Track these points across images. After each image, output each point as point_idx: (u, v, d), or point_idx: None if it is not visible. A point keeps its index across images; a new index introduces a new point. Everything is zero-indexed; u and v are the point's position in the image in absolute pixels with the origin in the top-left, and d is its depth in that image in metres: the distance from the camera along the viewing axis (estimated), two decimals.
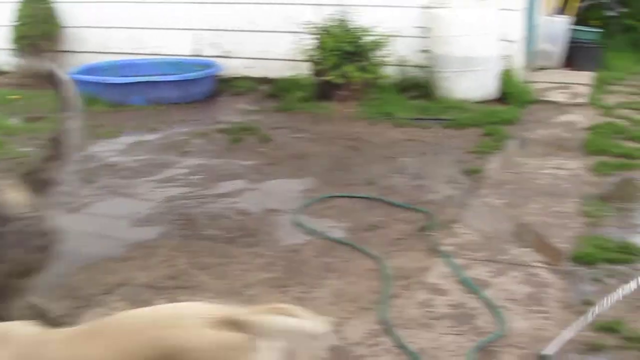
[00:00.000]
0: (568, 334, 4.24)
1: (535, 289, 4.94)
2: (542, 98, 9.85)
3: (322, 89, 9.67)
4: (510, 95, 9.56)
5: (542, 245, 5.60)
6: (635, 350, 4.22)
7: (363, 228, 5.94)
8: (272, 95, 10.22)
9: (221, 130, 8.67)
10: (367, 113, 9.15)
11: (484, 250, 5.50)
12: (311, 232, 5.85)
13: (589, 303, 4.71)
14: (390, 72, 9.90)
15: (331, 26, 9.59)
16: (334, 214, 6.27)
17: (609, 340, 4.32)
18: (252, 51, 10.89)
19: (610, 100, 9.75)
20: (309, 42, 9.67)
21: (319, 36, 9.58)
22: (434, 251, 5.47)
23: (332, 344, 4.18)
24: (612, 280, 5.03)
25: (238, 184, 7.02)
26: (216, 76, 10.52)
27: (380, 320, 4.55)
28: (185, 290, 4.93)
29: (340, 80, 9.30)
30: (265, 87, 10.54)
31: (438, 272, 5.19)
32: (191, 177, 7.23)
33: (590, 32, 11.54)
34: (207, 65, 10.57)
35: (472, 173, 7.14)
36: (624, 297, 4.62)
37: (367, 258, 5.40)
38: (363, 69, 9.34)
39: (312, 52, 9.64)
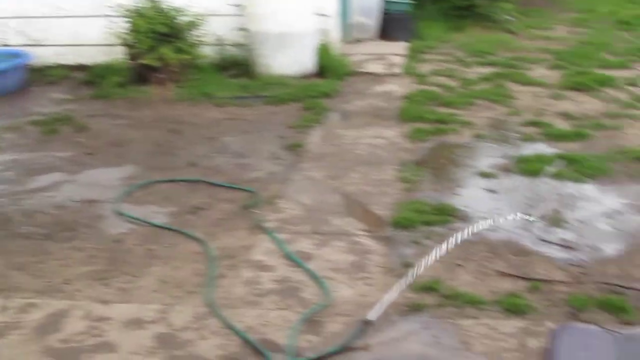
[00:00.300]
0: (389, 297, 4.36)
1: (358, 257, 5.06)
2: (359, 70, 10.04)
3: (139, 73, 9.43)
4: (328, 68, 9.70)
5: (363, 214, 5.73)
6: (452, 307, 4.41)
7: (187, 211, 5.86)
8: (87, 83, 9.85)
9: (34, 122, 8.28)
10: (187, 94, 9.02)
11: (307, 223, 5.57)
12: (134, 220, 5.72)
13: (409, 265, 4.88)
14: (208, 52, 9.79)
15: (143, 8, 9.34)
16: (156, 200, 6.15)
17: (428, 299, 4.50)
18: (62, 38, 10.45)
19: (424, 68, 10.09)
20: (122, 25, 9.38)
21: (131, 19, 9.31)
22: (258, 228, 5.48)
23: (157, 331, 4.14)
24: (430, 241, 5.22)
25: (54, 176, 6.73)
26: (26, 66, 10.02)
27: (206, 303, 4.51)
28: (1, 293, 4.71)
29: (156, 63, 9.09)
30: (79, 75, 10.15)
31: (263, 249, 5.21)
32: (3, 173, 6.87)
33: (402, 4, 11.85)
34: (15, 55, 10.04)
35: (294, 148, 7.20)
36: (441, 257, 4.80)
37: (192, 241, 5.35)
38: (179, 50, 9.17)
39: (125, 36, 9.36)
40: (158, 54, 9.08)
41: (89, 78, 9.90)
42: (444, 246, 4.79)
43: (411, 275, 4.58)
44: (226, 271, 4.91)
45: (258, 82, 9.37)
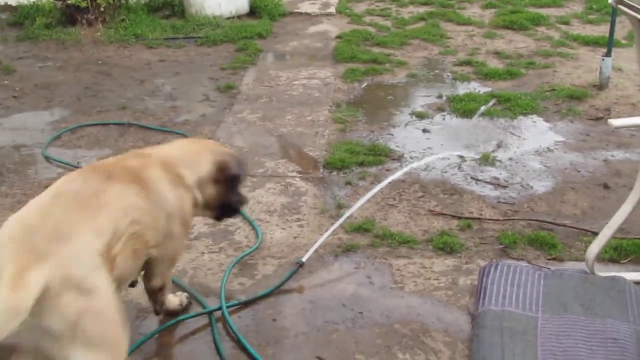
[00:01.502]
0: (322, 238, 4.35)
1: (291, 199, 5.03)
2: (293, 10, 9.93)
3: (67, 14, 9.17)
4: (262, 8, 9.57)
5: (296, 156, 5.69)
6: (385, 247, 4.43)
7: (117, 154, 5.73)
8: (13, 24, 9.55)
9: None
10: (117, 36, 8.81)
11: None
12: (63, 164, 5.58)
13: (342, 207, 4.87)
14: None
15: None
16: (86, 144, 6.02)
17: (362, 240, 4.51)
18: None
19: (359, 8, 10.02)
20: None
21: None
22: None
23: None
24: (363, 182, 5.23)
25: None
26: None
27: None
28: None
29: (84, 3, 8.84)
30: (4, 15, 9.84)
31: None
32: None
33: None
34: None
35: (227, 90, 7.10)
36: (374, 197, 4.79)
37: None
38: None
39: None
40: None
41: (14, 19, 9.60)
42: (376, 187, 4.77)
43: (344, 217, 4.56)
44: None
45: (190, 22, 9.20)
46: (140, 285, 3.76)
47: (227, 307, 3.84)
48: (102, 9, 8.96)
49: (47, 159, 5.70)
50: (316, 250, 4.29)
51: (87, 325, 2.59)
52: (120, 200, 2.96)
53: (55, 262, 2.54)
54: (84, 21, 9.02)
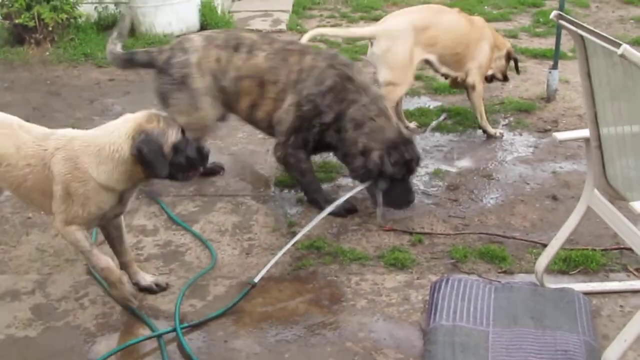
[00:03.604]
0: (273, 259, 4.31)
1: (242, 218, 5.02)
2: (244, 27, 9.88)
3: (15, 33, 9.03)
4: (213, 26, 9.49)
5: (248, 174, 5.66)
6: (336, 264, 4.43)
7: None
8: None
9: None
10: (66, 55, 8.70)
11: (191, 185, 5.46)
12: None
13: (293, 224, 4.87)
14: (88, 10, 9.44)
15: None
16: None
17: (313, 257, 4.51)
18: None
19: (309, 24, 10.00)
20: None
21: None
22: (140, 192, 5.34)
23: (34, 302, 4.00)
24: None
25: None
26: None
27: (86, 271, 4.38)
28: None
29: (32, 23, 8.70)
30: None
31: (145, 213, 5.10)
32: None
33: None
34: None
35: None
36: (326, 215, 4.78)
37: None
38: (56, 9, 8.79)
39: None
40: (34, 13, 8.69)
41: None
42: (329, 207, 4.76)
43: (295, 238, 4.52)
44: None
45: (140, 41, 9.10)
46: (87, 311, 3.72)
47: (181, 328, 3.81)
48: (51, 28, 8.83)
49: None
50: (268, 270, 4.27)
51: None
52: None
53: None
54: (32, 41, 8.89)
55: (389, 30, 5.78)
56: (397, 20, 5.86)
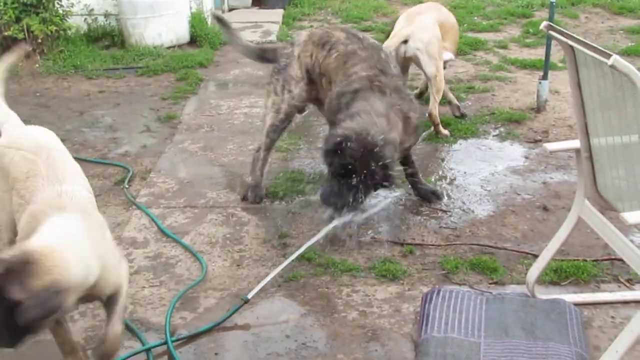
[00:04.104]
0: (268, 277, 4.25)
1: (233, 229, 5.00)
2: None
3: (4, 46, 8.95)
4: (203, 37, 9.53)
5: (239, 185, 5.64)
6: (328, 275, 4.42)
7: None
8: None
9: None
10: (56, 67, 8.69)
11: (182, 197, 5.46)
12: None
13: (284, 236, 4.86)
14: (77, 22, 9.44)
15: None
16: None
17: (304, 269, 4.49)
18: None
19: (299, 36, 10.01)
20: None
21: None
22: (130, 204, 5.33)
23: None
24: (305, 211, 5.20)
25: None
26: None
27: None
28: None
29: (21, 35, 8.68)
30: None
31: (136, 225, 5.08)
32: None
33: None
34: None
35: (168, 120, 7.04)
36: (316, 225, 4.76)
37: None
38: (46, 21, 8.77)
39: None
40: (23, 25, 8.67)
41: None
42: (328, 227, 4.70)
43: (291, 258, 4.47)
44: None
45: (130, 52, 9.12)
46: (76, 324, 3.70)
47: (172, 341, 3.78)
48: (40, 40, 8.81)
49: None
50: (258, 281, 4.24)
51: None
52: None
53: None
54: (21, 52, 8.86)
55: (423, 27, 6.27)
56: (423, 18, 6.35)
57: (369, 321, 3.98)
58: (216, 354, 3.76)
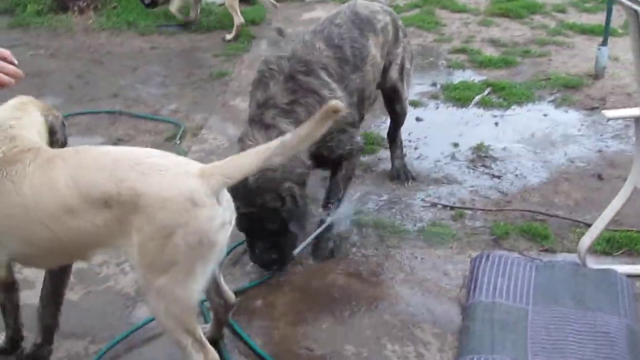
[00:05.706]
0: (312, 236, 4.22)
1: None
2: None
3: (59, 1, 9.09)
4: None
5: None
6: (375, 237, 4.40)
7: (109, 143, 5.68)
8: (4, 11, 9.45)
9: None
10: (109, 23, 8.75)
11: (232, 154, 5.44)
12: None
13: None
14: None
15: None
16: (78, 132, 5.95)
17: (354, 229, 4.47)
18: None
19: None
20: None
21: None
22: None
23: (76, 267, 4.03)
24: (358, 171, 5.16)
25: None
26: None
27: None
28: None
29: None
30: None
31: None
32: None
33: None
34: None
35: (219, 77, 7.05)
36: (366, 185, 4.73)
37: None
38: None
39: None
40: None
41: (5, 6, 9.50)
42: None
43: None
44: None
45: (184, 10, 9.10)
46: (127, 277, 3.74)
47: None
48: None
49: None
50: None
51: None
52: None
53: None
54: (75, 8, 8.95)
55: None
56: None
57: (415, 283, 3.96)
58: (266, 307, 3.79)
